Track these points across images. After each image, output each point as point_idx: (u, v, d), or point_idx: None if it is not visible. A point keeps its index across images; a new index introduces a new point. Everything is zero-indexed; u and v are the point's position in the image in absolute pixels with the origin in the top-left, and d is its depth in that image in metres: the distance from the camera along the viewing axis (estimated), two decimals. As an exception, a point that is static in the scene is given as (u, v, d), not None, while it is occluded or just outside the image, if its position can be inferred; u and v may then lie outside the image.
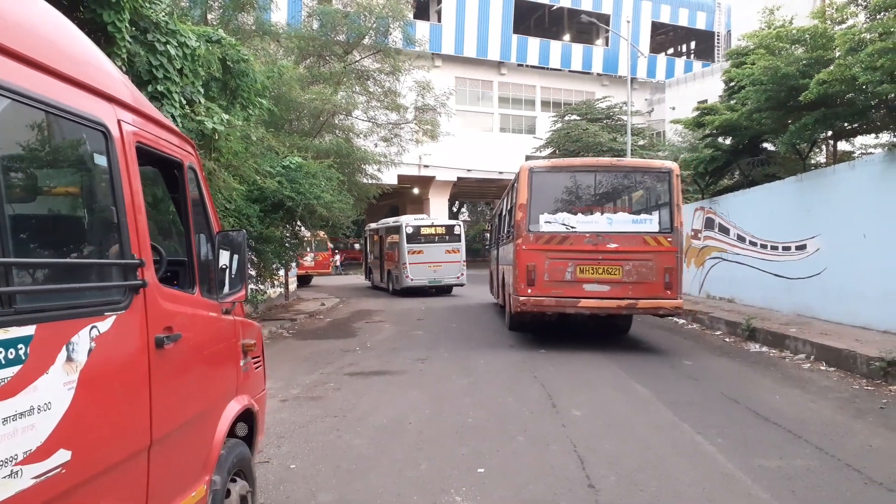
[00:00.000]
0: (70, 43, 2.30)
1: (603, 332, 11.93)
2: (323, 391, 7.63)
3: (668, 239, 10.16)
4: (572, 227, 10.36)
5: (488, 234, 24.72)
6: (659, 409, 6.71)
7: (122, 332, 2.27)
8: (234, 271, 3.44)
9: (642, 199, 11.44)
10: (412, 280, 22.14)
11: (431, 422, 6.26)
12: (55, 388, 1.89)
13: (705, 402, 7.03)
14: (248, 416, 3.66)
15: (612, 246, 10.13)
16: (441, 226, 23.51)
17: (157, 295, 2.57)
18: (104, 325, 2.16)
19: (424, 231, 22.67)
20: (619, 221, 10.45)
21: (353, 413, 6.59)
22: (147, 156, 2.77)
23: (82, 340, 2.04)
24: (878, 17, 11.07)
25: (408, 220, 23.29)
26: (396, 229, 23.21)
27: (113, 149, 2.34)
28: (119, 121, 2.43)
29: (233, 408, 3.36)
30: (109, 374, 2.20)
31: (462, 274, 23.03)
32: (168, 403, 2.60)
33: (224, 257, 3.40)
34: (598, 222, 10.43)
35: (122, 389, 2.29)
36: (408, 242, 22.23)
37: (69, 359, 1.97)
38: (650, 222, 10.41)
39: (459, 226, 23.93)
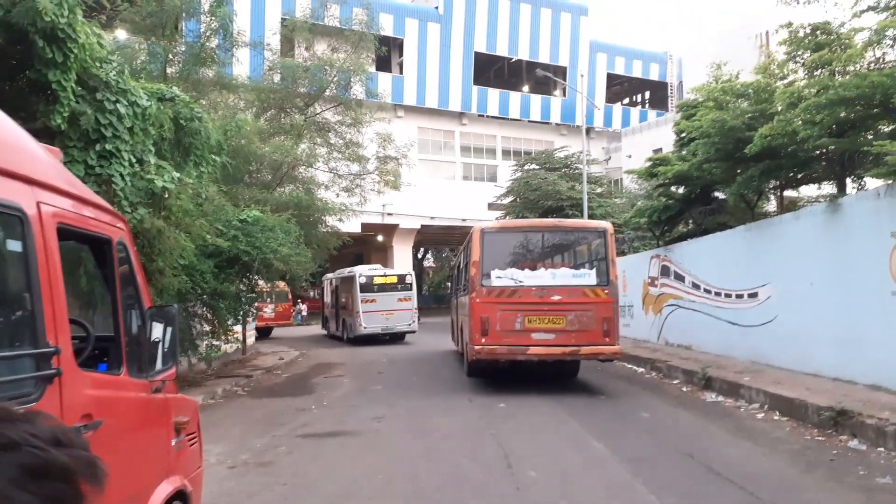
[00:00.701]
0: None
1: (555, 378, 12.31)
2: (274, 456, 7.40)
3: (605, 291, 11.18)
4: (520, 282, 11.24)
5: (449, 285, 25.57)
6: (614, 467, 6.66)
7: (30, 426, 2.16)
8: (167, 345, 3.35)
9: (581, 255, 12.44)
10: (365, 328, 22.61)
11: (384, 488, 6.10)
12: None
13: (661, 457, 7.02)
14: (181, 496, 3.52)
15: (556, 298, 11.05)
16: (393, 275, 24.37)
17: (75, 381, 2.47)
18: (9, 421, 2.06)
19: (377, 280, 23.43)
20: (562, 276, 11.46)
21: (303, 480, 6.39)
22: (72, 234, 2.71)
23: (-18, 441, 1.94)
24: (815, 73, 11.62)
25: (361, 271, 24.12)
26: (351, 279, 23.78)
27: (29, 232, 2.27)
28: (38, 203, 2.37)
29: (163, 490, 3.22)
30: (14, 474, 2.08)
31: (413, 321, 23.73)
32: (84, 496, 2.48)
33: (157, 330, 3.32)
34: (542, 277, 11.37)
35: (29, 488, 2.17)
36: (361, 291, 22.85)
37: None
38: (589, 276, 11.44)
39: (411, 275, 24.72)
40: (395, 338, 23.54)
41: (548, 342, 10.94)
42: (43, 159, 2.60)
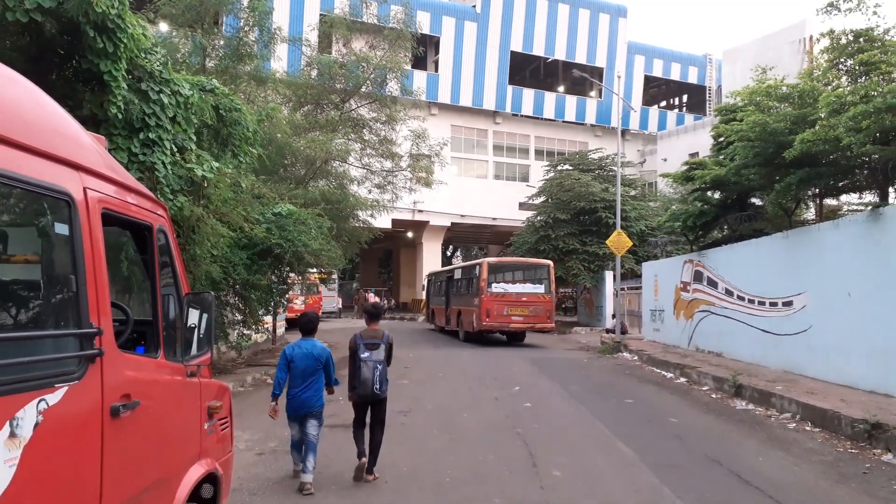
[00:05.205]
0: (34, 113, 2.32)
1: (511, 342, 21.95)
2: (301, 445, 7.50)
3: (548, 296, 21.49)
4: (506, 290, 21.28)
5: (426, 286, 32.70)
6: (641, 470, 6.61)
7: (73, 403, 2.23)
8: (202, 331, 3.43)
9: (537, 277, 22.10)
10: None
11: (409, 480, 6.15)
12: (-7, 467, 1.85)
13: (688, 463, 6.94)
14: (212, 479, 3.59)
15: (524, 298, 21.10)
16: (323, 272, 34.00)
17: (116, 362, 2.55)
18: (54, 397, 2.13)
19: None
20: (527, 287, 21.59)
21: (329, 469, 6.46)
22: (115, 220, 2.78)
23: (28, 415, 2.01)
24: (858, 80, 11.34)
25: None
26: None
27: (76, 216, 2.34)
28: (85, 188, 2.44)
29: (194, 473, 3.30)
30: (57, 448, 2.16)
31: (338, 306, 40.06)
32: (121, 474, 2.55)
33: (193, 316, 3.39)
34: (517, 287, 21.63)
35: (69, 463, 2.24)
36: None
37: (12, 434, 1.94)
38: (540, 287, 21.53)
39: (336, 273, 34.13)
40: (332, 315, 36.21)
41: (518, 321, 20.83)
42: (89, 146, 2.67)
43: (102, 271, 2.47)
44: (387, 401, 6.29)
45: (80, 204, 2.36)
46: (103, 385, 2.42)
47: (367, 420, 6.20)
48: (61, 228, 2.32)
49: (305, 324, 6.29)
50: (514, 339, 22.18)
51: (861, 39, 11.24)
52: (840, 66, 11.81)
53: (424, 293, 33.37)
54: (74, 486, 2.26)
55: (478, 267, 21.91)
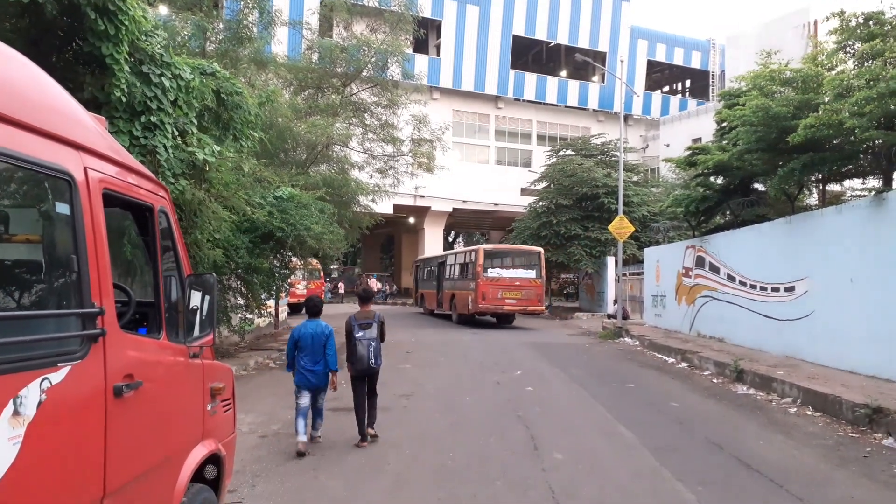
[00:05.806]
0: (34, 92, 2.30)
1: (501, 324, 23.44)
2: (304, 428, 7.53)
3: (539, 280, 22.76)
4: (500, 274, 22.32)
5: (413, 272, 34.24)
6: (642, 453, 6.64)
7: (76, 382, 2.23)
8: (204, 313, 3.43)
9: (528, 262, 23.22)
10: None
11: (411, 462, 6.18)
12: (-3, 445, 1.85)
13: (689, 447, 6.97)
14: (215, 460, 3.61)
15: (517, 283, 22.28)
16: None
17: (118, 342, 2.54)
18: (57, 376, 2.13)
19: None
20: (520, 272, 22.71)
21: (331, 452, 6.51)
22: (116, 200, 2.77)
23: (31, 393, 2.01)
24: (865, 64, 11.24)
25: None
26: None
27: (77, 196, 2.33)
28: (86, 168, 2.42)
29: (197, 453, 3.31)
30: (60, 427, 2.16)
31: (341, 291, 41.10)
32: (125, 454, 2.56)
33: (196, 298, 3.39)
34: (511, 272, 22.63)
35: (73, 442, 2.25)
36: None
37: (16, 413, 1.94)
38: (532, 273, 22.73)
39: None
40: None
41: (511, 303, 22.03)
42: (90, 126, 2.66)
43: (104, 251, 2.46)
44: (379, 373, 7.10)
45: (80, 184, 2.35)
46: (106, 365, 2.42)
47: (365, 394, 7.01)
48: (62, 208, 2.31)
49: (311, 307, 6.97)
50: (505, 321, 23.66)
51: (871, 22, 11.12)
52: (848, 48, 11.69)
53: (412, 279, 34.41)
54: (78, 464, 2.27)
55: (474, 253, 23.19)
